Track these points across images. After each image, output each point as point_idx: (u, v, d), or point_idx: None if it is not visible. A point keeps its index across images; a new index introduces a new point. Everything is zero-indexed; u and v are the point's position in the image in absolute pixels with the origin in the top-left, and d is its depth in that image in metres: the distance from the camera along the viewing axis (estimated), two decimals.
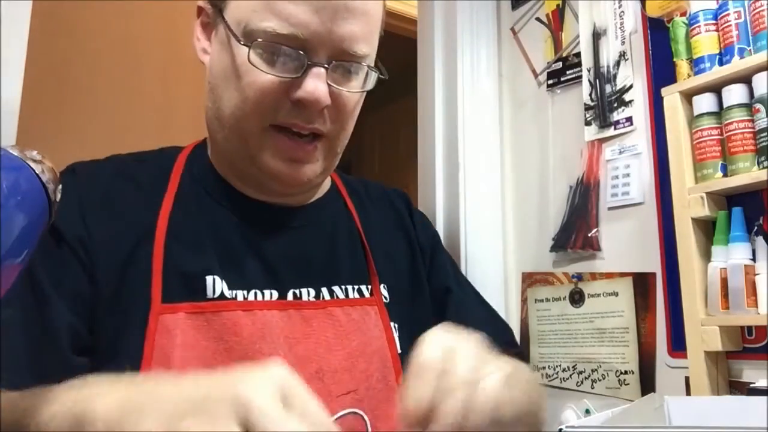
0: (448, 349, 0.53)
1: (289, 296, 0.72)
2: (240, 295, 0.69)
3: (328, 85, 0.68)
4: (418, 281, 0.84)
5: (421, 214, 0.94)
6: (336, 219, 0.82)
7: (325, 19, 0.65)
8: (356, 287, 0.77)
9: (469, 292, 0.92)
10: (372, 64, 0.72)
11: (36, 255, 0.63)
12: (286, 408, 0.41)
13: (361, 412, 0.69)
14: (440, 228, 1.49)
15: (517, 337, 1.44)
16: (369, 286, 0.78)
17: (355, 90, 0.72)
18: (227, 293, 0.68)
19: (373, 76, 0.72)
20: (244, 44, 0.66)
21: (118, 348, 0.64)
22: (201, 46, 0.75)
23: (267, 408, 0.40)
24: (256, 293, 0.70)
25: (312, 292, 0.73)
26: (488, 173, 1.51)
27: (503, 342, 0.86)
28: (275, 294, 0.71)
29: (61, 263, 0.65)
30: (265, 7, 0.65)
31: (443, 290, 0.86)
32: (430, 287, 0.85)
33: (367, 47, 0.70)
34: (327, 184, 0.84)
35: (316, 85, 0.66)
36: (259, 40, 0.65)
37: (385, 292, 0.79)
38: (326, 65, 0.67)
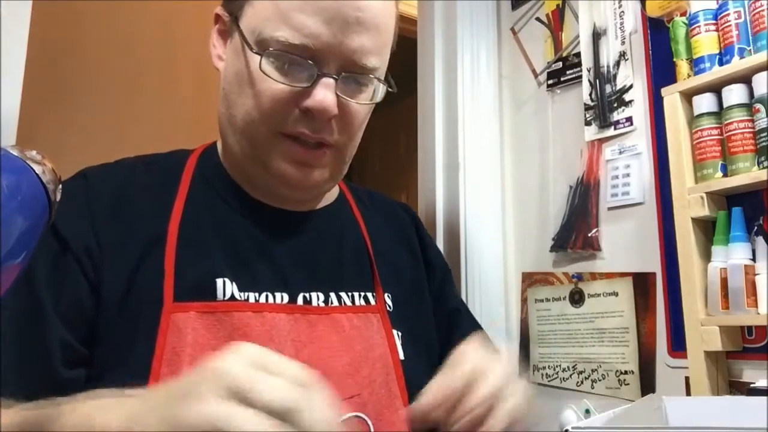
0: (481, 360, 0.60)
1: (299, 300, 0.72)
2: (252, 297, 0.69)
3: (337, 96, 0.69)
4: (421, 292, 0.85)
5: (429, 236, 0.95)
6: (344, 226, 0.83)
7: (336, 31, 0.67)
8: (362, 294, 0.77)
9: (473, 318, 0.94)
10: (382, 77, 0.73)
11: (38, 263, 0.63)
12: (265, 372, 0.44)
13: (364, 416, 0.69)
14: (440, 228, 1.49)
15: (517, 338, 1.44)
16: (374, 294, 0.78)
17: (364, 102, 0.73)
18: (237, 295, 0.69)
19: (382, 89, 0.74)
20: (256, 52, 0.68)
21: (127, 350, 0.64)
22: (216, 53, 0.76)
23: (247, 371, 0.43)
24: (267, 296, 0.70)
25: (321, 296, 0.74)
26: (488, 173, 1.51)
27: None
28: (286, 297, 0.71)
29: (63, 273, 0.65)
30: (278, 17, 0.67)
31: (453, 310, 0.88)
32: (440, 305, 0.87)
33: (378, 60, 0.71)
34: (335, 191, 0.85)
35: (324, 94, 0.67)
36: (271, 49, 0.67)
37: (389, 301, 0.80)
38: (336, 76, 0.68)
